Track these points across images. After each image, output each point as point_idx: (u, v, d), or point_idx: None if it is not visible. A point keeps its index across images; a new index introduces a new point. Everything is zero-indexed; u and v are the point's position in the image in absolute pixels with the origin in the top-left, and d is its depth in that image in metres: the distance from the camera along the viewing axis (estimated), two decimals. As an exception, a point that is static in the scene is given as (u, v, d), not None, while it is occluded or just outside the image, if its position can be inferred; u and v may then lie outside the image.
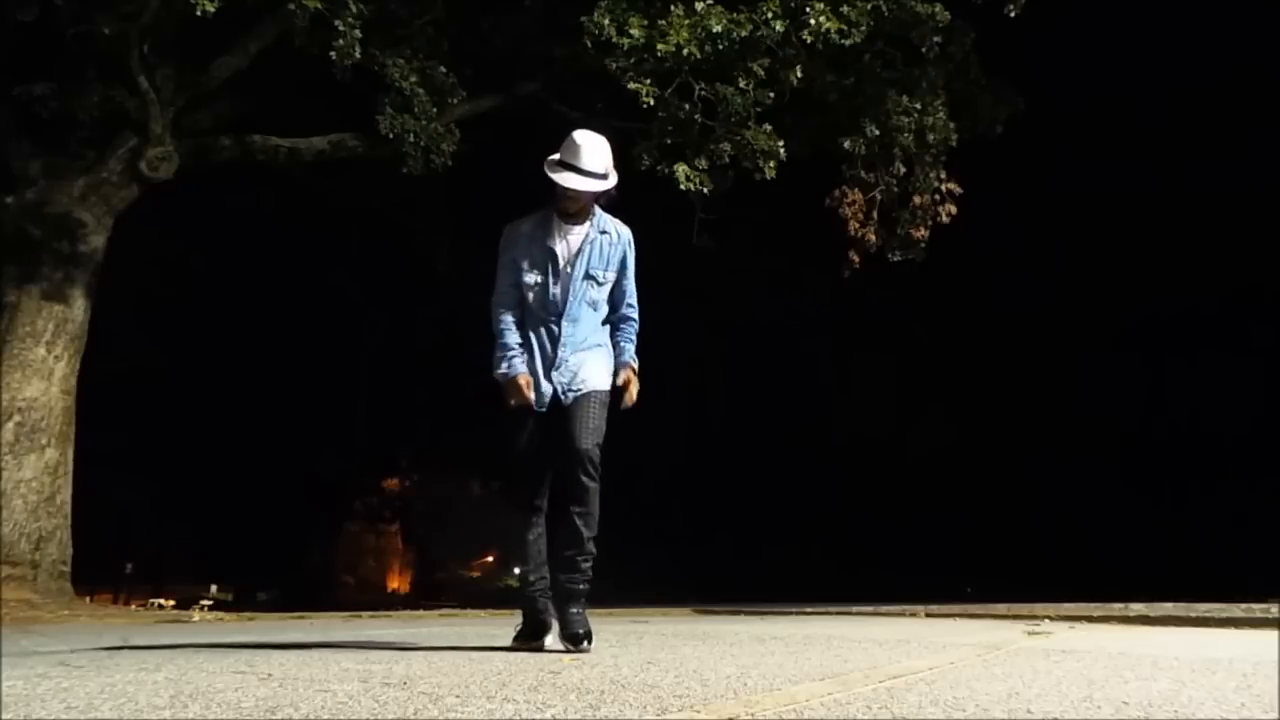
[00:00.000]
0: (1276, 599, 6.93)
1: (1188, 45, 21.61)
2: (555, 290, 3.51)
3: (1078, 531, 25.46)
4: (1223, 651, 3.49)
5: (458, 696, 2.15)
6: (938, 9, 8.47)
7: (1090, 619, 6.12)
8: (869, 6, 8.20)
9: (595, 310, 3.61)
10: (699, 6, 7.89)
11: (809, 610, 8.46)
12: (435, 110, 8.54)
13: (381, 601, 34.80)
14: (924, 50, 8.83)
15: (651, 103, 8.13)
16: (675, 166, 8.60)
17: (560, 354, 3.50)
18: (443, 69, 8.67)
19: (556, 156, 3.49)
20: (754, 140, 8.51)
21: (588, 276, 3.55)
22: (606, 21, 7.82)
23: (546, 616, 3.47)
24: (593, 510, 3.43)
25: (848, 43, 8.21)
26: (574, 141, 3.48)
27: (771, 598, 14.79)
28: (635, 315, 3.73)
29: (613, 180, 3.54)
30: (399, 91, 8.38)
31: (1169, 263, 24.23)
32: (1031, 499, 26.23)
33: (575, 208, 3.53)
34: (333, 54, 7.60)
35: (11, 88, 8.43)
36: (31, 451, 8.00)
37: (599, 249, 3.58)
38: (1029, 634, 4.65)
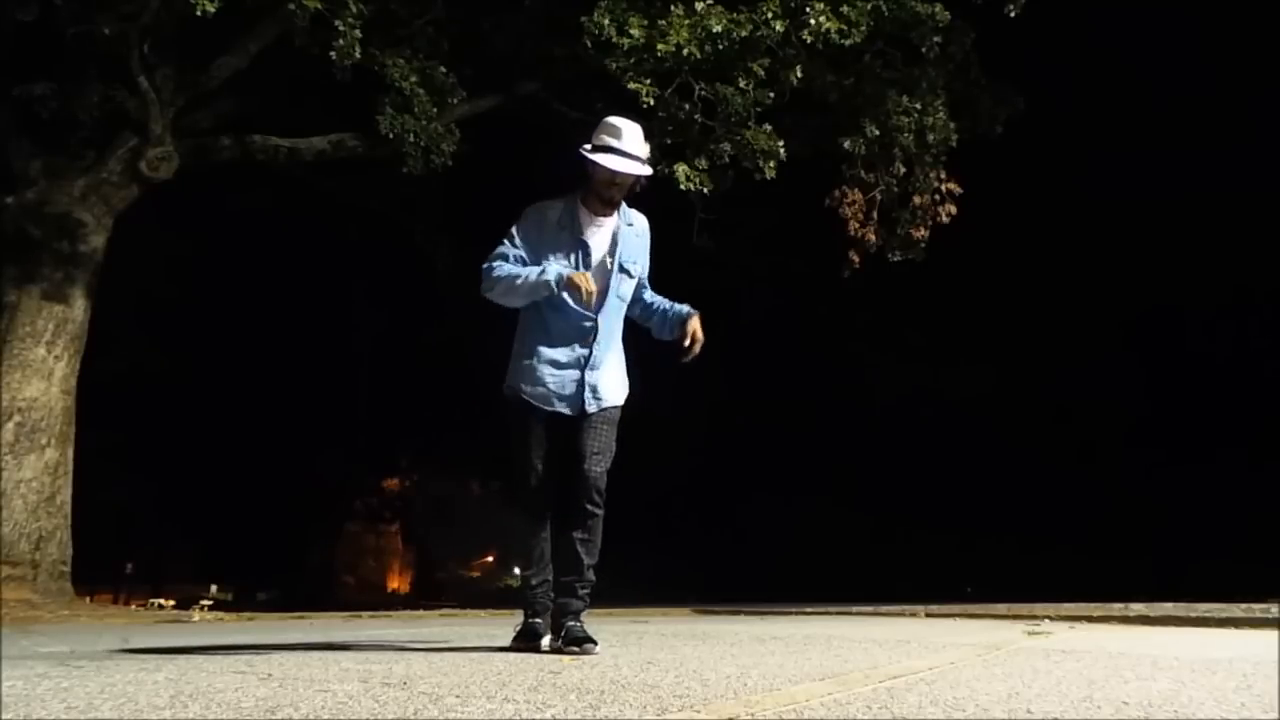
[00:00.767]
0: (1276, 599, 6.94)
1: (1188, 45, 21.63)
2: None
3: (1078, 531, 25.48)
4: (1223, 651, 3.49)
5: (458, 696, 2.15)
6: (938, 9, 8.47)
7: (1090, 619, 6.12)
8: (869, 6, 8.20)
9: (623, 304, 3.50)
10: (699, 6, 7.88)
11: (809, 610, 8.46)
12: (435, 110, 8.53)
13: (381, 601, 34.81)
14: (924, 50, 8.83)
15: (651, 103, 8.12)
16: (675, 166, 8.60)
17: (596, 351, 3.38)
18: (443, 69, 8.67)
19: (591, 144, 3.34)
20: (754, 140, 8.50)
21: (621, 270, 3.43)
22: (606, 21, 7.82)
23: (547, 619, 3.44)
24: (595, 539, 3.38)
25: (848, 43, 8.21)
26: (612, 124, 3.34)
27: (772, 596, 14.80)
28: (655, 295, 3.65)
29: (649, 166, 3.41)
30: (399, 91, 8.37)
31: (1169, 263, 24.27)
32: (1031, 499, 26.23)
33: (618, 195, 3.37)
34: (333, 54, 7.59)
35: (11, 88, 8.42)
36: (31, 451, 8.00)
37: (629, 241, 3.47)
38: (1029, 634, 4.65)
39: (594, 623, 3.55)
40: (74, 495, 8.39)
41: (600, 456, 3.37)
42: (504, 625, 4.58)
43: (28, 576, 7.75)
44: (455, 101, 8.90)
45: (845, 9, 8.13)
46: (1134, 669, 2.80)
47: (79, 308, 8.53)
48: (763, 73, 8.29)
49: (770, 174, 8.63)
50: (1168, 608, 6.72)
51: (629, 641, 4.02)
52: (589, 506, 3.35)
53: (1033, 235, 23.92)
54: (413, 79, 8.38)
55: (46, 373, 8.22)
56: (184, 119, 9.14)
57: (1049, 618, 6.26)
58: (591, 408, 3.37)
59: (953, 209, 9.87)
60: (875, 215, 9.92)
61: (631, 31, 7.77)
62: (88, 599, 12.11)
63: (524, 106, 10.26)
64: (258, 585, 31.07)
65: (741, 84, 8.29)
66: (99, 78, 8.53)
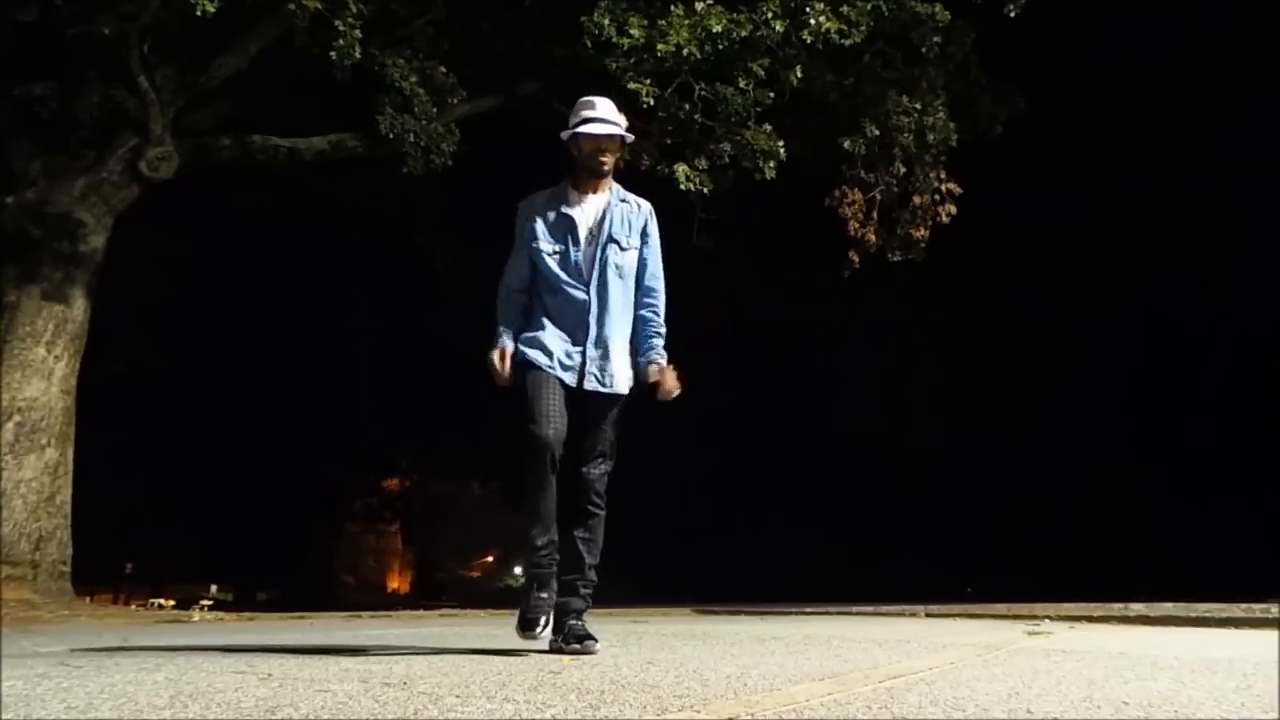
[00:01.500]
0: (1276, 599, 6.93)
1: (1188, 45, 21.61)
2: (577, 256, 3.44)
3: (1077, 532, 25.48)
4: (1223, 651, 3.49)
5: (458, 696, 2.15)
6: (938, 9, 8.47)
7: (1090, 619, 6.12)
8: (869, 6, 8.20)
9: (623, 279, 3.51)
10: (699, 6, 7.89)
11: (809, 610, 8.47)
12: (435, 110, 8.54)
13: (381, 601, 34.83)
14: (924, 50, 8.83)
15: (651, 103, 8.13)
16: (675, 166, 8.60)
17: (593, 328, 3.41)
18: (443, 69, 8.67)
19: (569, 126, 3.53)
20: (754, 140, 8.51)
21: (611, 241, 3.49)
22: (606, 21, 7.82)
23: (551, 592, 3.32)
24: (597, 539, 3.39)
25: (848, 43, 8.22)
26: (585, 100, 3.58)
27: (773, 595, 14.79)
28: (660, 288, 3.63)
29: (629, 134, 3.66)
30: (399, 91, 8.37)
31: (1169, 262, 24.27)
32: (1031, 499, 26.24)
33: (607, 162, 3.52)
34: (333, 54, 7.60)
35: (11, 88, 8.42)
36: (31, 451, 8.00)
37: (620, 215, 3.55)
38: (1029, 634, 4.65)
39: (594, 623, 3.55)
40: (74, 495, 8.39)
41: (600, 460, 3.39)
42: (504, 625, 4.57)
43: (28, 576, 7.75)
44: (455, 101, 8.90)
45: (845, 9, 8.13)
46: (1134, 669, 2.80)
47: (79, 308, 8.53)
48: (763, 73, 8.29)
49: (770, 174, 8.63)
50: (1168, 608, 6.71)
51: (629, 641, 4.03)
52: (589, 507, 3.37)
53: (1033, 235, 23.95)
54: (413, 79, 8.38)
55: (46, 373, 8.22)
56: (184, 119, 9.14)
57: (1049, 618, 6.26)
58: (590, 384, 3.37)
59: (953, 209, 9.88)
60: (875, 215, 9.93)
61: (631, 31, 7.78)
62: (88, 599, 12.11)
63: (524, 106, 10.25)
64: (257, 585, 31.10)
65: (741, 84, 8.29)
66: (99, 78, 8.53)
